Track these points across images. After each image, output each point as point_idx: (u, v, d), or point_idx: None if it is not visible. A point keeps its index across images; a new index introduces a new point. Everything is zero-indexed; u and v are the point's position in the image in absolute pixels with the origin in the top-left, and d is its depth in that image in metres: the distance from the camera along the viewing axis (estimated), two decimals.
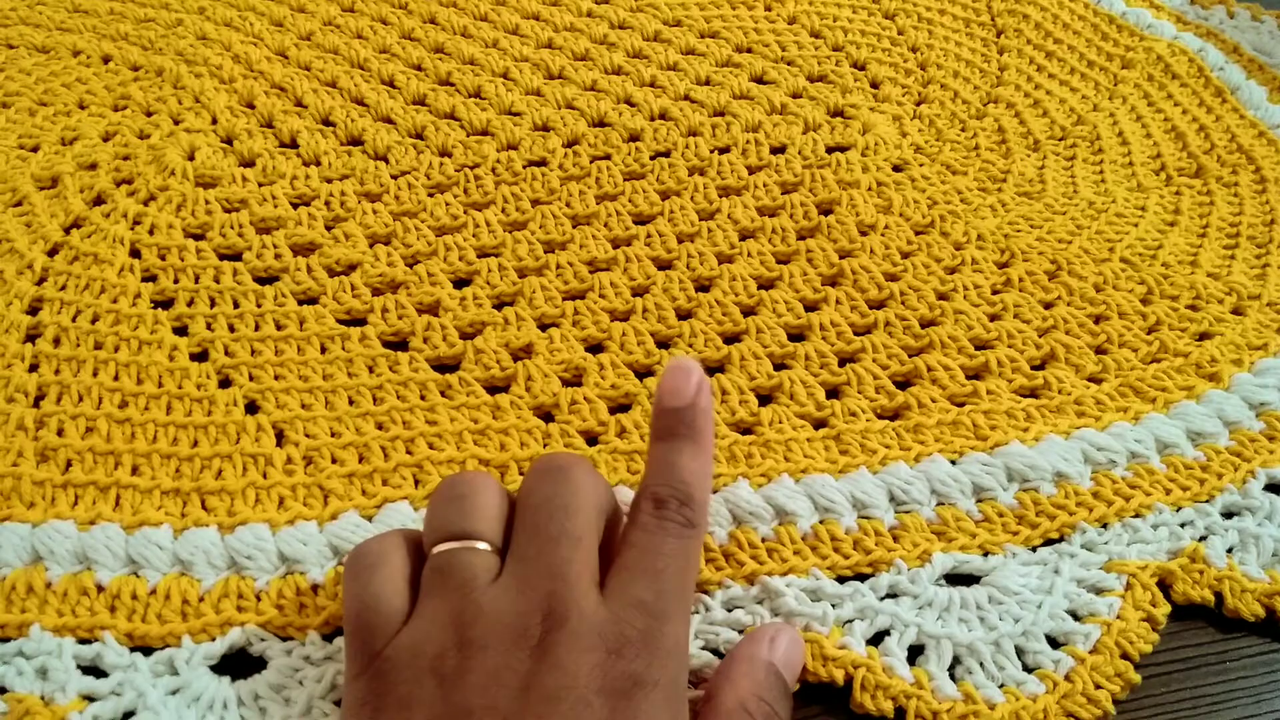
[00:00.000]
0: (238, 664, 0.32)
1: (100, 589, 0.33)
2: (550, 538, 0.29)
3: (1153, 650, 0.34)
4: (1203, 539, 0.36)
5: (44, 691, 0.31)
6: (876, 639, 0.33)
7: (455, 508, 0.31)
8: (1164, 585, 0.35)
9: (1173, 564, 0.35)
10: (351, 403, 0.39)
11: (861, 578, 0.35)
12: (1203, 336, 0.44)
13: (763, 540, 0.35)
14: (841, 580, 0.35)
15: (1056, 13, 0.63)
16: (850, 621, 0.33)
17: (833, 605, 0.34)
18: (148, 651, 0.32)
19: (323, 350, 0.41)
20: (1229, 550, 0.36)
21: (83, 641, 0.32)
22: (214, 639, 0.32)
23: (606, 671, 0.27)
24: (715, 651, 0.33)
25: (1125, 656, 0.33)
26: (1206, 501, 0.38)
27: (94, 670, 0.32)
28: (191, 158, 0.49)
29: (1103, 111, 0.56)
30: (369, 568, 0.30)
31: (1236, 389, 0.41)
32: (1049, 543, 0.36)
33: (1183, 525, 0.37)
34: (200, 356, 0.41)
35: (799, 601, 0.34)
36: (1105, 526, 0.37)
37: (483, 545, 0.30)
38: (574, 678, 0.27)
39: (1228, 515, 0.37)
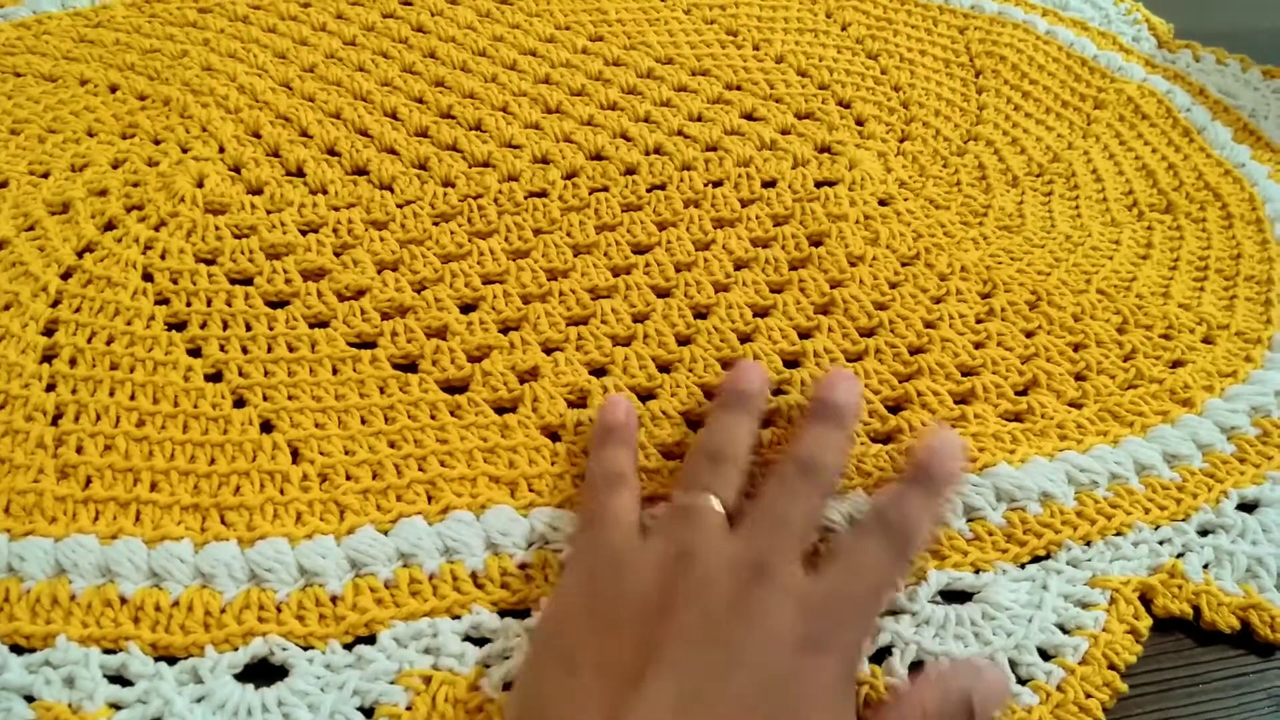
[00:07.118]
0: (261, 673, 0.33)
1: (124, 601, 0.34)
2: (791, 496, 0.35)
3: (1126, 670, 0.35)
4: (1180, 555, 0.38)
5: (71, 700, 0.31)
6: (878, 657, 0.35)
7: (711, 468, 0.36)
8: (1145, 599, 0.37)
9: (1153, 579, 0.37)
10: (364, 422, 0.40)
11: None
12: (1176, 364, 0.46)
13: None
14: None
15: (1032, 55, 0.66)
16: None
17: None
18: (172, 661, 0.33)
19: (334, 372, 0.42)
20: (1205, 566, 0.38)
21: (108, 651, 0.33)
22: (236, 649, 0.33)
23: (797, 630, 0.30)
24: None
25: (1112, 667, 0.35)
26: (1183, 520, 0.40)
27: (120, 679, 0.32)
28: (200, 185, 0.50)
29: (1077, 149, 0.59)
30: (611, 486, 0.36)
31: (1209, 414, 0.44)
32: (1036, 559, 0.38)
33: (1161, 543, 0.39)
34: (215, 377, 0.42)
35: None
36: (1089, 544, 0.38)
37: (719, 507, 0.34)
38: (769, 632, 0.30)
39: (1203, 533, 0.39)
